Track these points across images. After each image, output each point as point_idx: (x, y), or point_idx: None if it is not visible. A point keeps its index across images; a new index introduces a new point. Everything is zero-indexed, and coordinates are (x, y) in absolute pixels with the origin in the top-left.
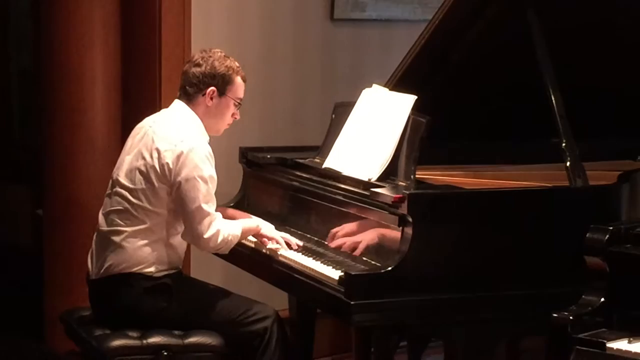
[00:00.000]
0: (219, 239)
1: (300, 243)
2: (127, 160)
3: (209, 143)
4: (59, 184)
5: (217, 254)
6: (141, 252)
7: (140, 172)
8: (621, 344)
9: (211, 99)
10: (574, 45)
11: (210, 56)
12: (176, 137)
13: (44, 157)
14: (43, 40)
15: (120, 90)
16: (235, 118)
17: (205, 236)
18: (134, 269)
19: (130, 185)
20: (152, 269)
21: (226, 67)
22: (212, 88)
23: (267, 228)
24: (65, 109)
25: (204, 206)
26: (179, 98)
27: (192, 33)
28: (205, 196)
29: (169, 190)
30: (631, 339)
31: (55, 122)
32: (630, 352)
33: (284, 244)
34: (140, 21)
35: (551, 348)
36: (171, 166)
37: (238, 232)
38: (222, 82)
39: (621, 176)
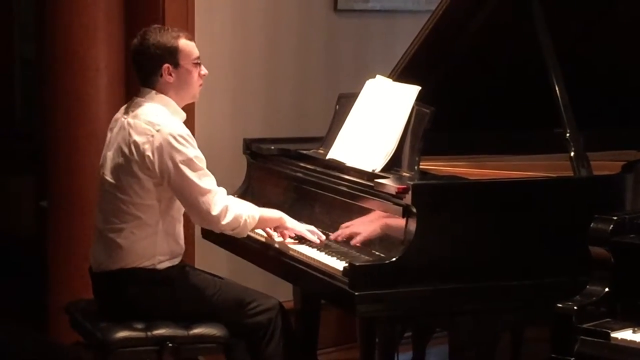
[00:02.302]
0: (230, 215)
1: (324, 237)
2: (109, 156)
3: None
4: (63, 175)
5: (223, 246)
6: (140, 246)
7: (123, 168)
8: (626, 334)
9: (170, 74)
10: (577, 33)
11: (145, 39)
12: (150, 127)
13: (48, 149)
14: (46, 31)
15: (123, 81)
16: (204, 75)
17: (214, 212)
18: (135, 265)
19: (116, 183)
20: (153, 261)
21: (165, 41)
22: (166, 65)
23: (292, 221)
24: (69, 100)
25: (201, 184)
26: (142, 85)
27: (196, 24)
28: (199, 176)
29: (156, 182)
30: (635, 328)
31: (59, 113)
32: (634, 342)
33: (310, 237)
34: (144, 12)
35: (555, 338)
36: (152, 158)
37: (256, 216)
38: (170, 56)
39: (625, 166)
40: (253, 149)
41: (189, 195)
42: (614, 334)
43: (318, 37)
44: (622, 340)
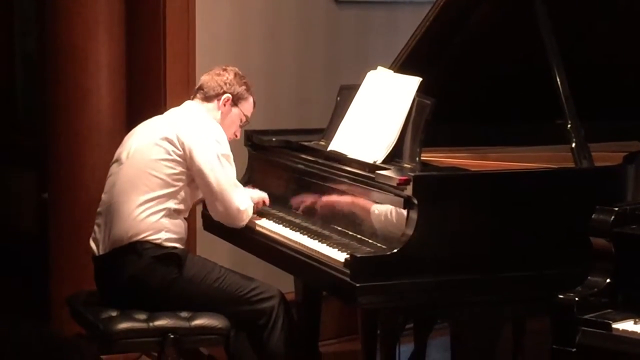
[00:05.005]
0: (250, 210)
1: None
2: (142, 134)
3: None
4: (64, 168)
5: (224, 238)
6: (149, 219)
7: (158, 145)
8: (627, 325)
9: (224, 105)
10: (578, 24)
11: (232, 70)
12: (194, 123)
13: (49, 142)
14: (48, 25)
15: (124, 74)
16: (236, 137)
17: (242, 208)
18: (141, 236)
19: (147, 157)
20: (160, 235)
21: (245, 83)
22: (228, 95)
23: (259, 193)
24: (70, 94)
25: (235, 181)
26: (191, 100)
27: (197, 17)
28: (234, 172)
29: (188, 166)
30: (637, 319)
31: (60, 107)
32: (636, 332)
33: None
34: (144, 5)
35: (557, 329)
36: (194, 150)
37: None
38: (238, 94)
39: (626, 157)
40: (254, 141)
41: (227, 186)
42: (615, 325)
43: (319, 29)
44: (624, 331)
